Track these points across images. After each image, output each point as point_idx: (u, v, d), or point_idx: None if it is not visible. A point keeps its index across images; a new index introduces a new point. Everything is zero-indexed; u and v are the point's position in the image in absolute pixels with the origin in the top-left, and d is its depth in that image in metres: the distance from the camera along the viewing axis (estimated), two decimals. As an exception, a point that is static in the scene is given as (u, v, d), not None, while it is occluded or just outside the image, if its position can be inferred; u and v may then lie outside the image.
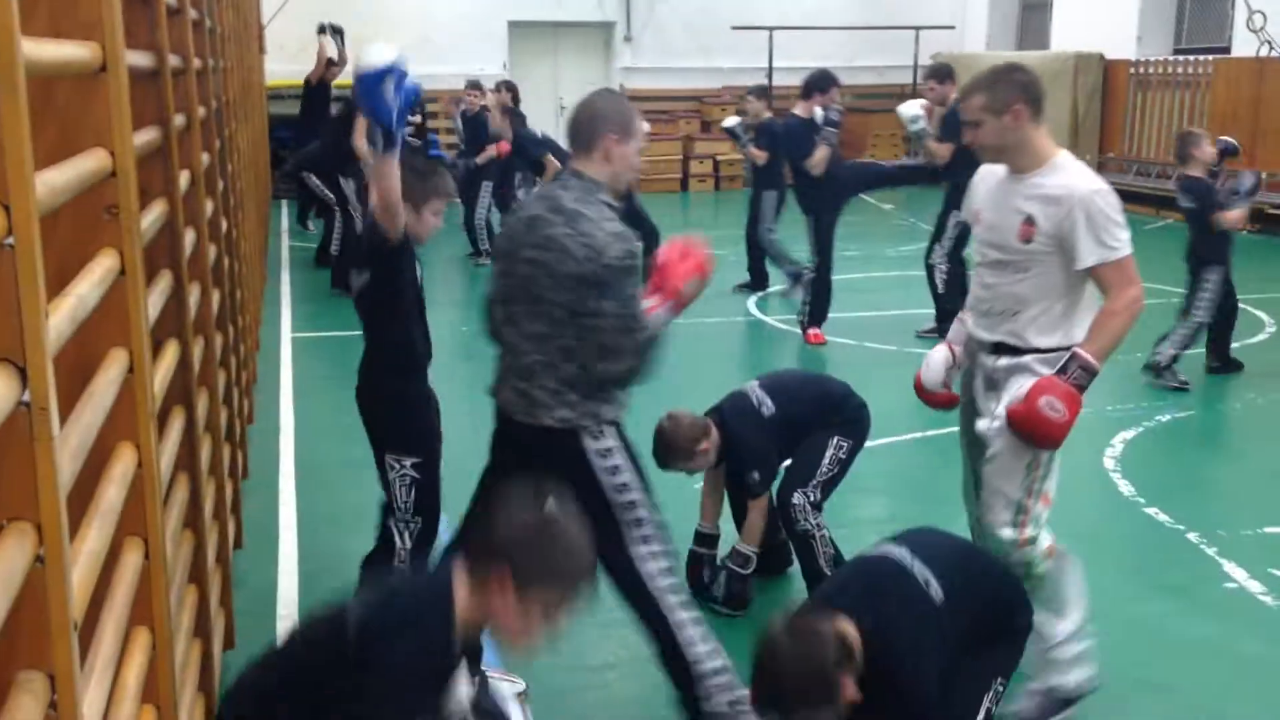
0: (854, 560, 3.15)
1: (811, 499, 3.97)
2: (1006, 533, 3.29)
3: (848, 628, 2.62)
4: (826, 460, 4.00)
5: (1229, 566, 4.34)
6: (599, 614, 3.97)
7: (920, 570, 2.76)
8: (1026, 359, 3.35)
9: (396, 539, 3.55)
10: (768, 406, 4.07)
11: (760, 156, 9.12)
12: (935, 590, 2.72)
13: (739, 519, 4.20)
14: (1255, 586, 4.18)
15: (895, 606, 2.72)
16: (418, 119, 11.89)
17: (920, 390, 3.69)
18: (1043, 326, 3.33)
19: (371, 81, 3.14)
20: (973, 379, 3.56)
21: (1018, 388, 3.31)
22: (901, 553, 2.84)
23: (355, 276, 3.64)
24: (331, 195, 9.59)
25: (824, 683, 2.54)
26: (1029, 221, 3.28)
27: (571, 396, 3.00)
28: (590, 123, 3.10)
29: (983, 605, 2.85)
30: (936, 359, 3.65)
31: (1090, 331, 3.29)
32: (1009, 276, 3.33)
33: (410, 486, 3.50)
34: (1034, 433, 3.23)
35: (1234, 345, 7.59)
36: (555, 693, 3.59)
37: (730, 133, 9.51)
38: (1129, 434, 5.85)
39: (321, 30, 11.96)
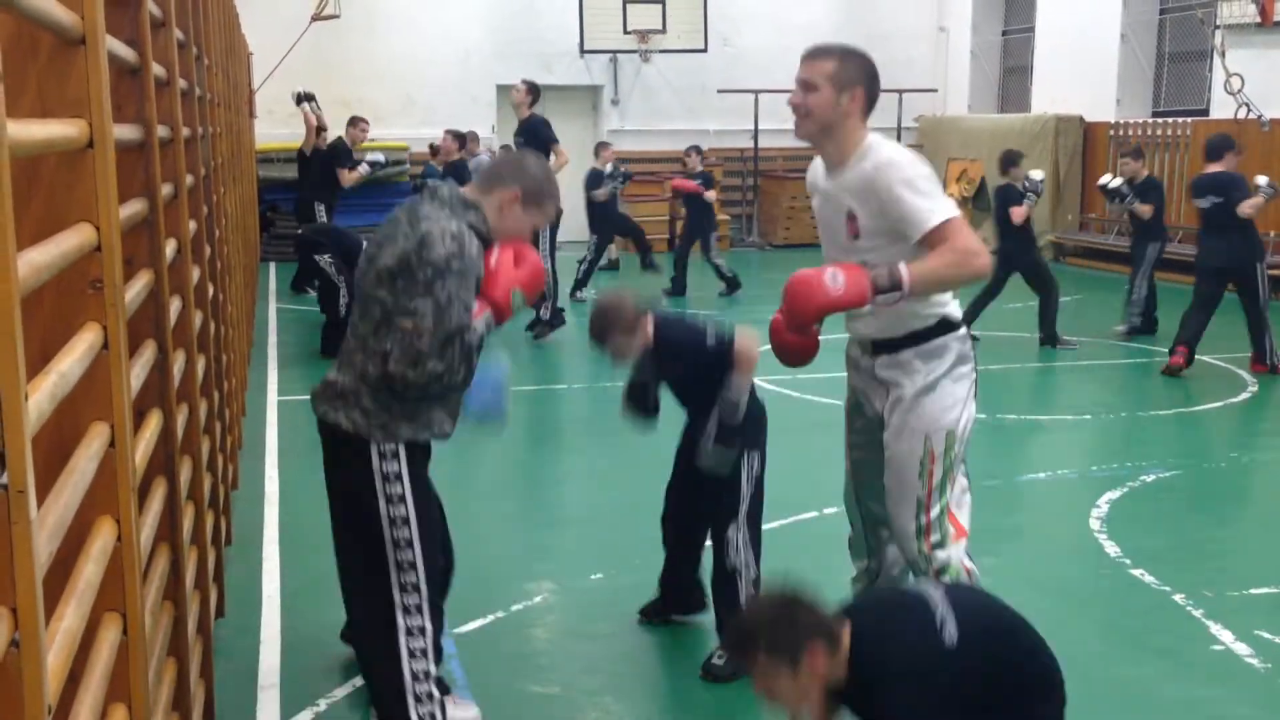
0: (886, 588, 3.32)
1: (745, 535, 3.93)
2: (910, 542, 3.34)
3: (842, 626, 2.62)
4: (743, 482, 3.93)
5: (1216, 628, 4.33)
6: (582, 682, 3.96)
7: (942, 609, 2.65)
8: (905, 354, 3.33)
9: None
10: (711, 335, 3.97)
11: (1147, 211, 10.04)
12: (950, 631, 2.61)
13: (684, 528, 4.18)
14: (1242, 649, 4.17)
15: (897, 626, 2.66)
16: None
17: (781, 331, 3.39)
18: (906, 311, 3.27)
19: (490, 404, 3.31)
20: (855, 379, 3.57)
21: (904, 390, 3.32)
22: (932, 591, 2.77)
23: None
24: (341, 277, 9.45)
25: (792, 638, 2.55)
26: (850, 217, 3.26)
27: (366, 402, 2.98)
28: (510, 168, 3.13)
29: (1001, 669, 2.68)
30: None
31: (921, 259, 3.14)
32: None
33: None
34: (797, 288, 3.14)
35: (1215, 405, 7.64)
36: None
37: (1115, 192, 10.04)
38: (1114, 494, 5.86)
39: (299, 101, 12.11)
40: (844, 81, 3.22)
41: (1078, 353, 9.61)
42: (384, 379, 2.95)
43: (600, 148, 12.98)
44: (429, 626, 3.10)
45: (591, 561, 4.96)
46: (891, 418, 3.38)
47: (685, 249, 12.67)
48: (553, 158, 9.43)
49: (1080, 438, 7.22)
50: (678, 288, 12.49)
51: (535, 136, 9.57)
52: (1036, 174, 9.95)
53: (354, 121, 11.87)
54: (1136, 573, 4.89)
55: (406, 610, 3.06)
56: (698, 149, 13.19)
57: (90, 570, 1.82)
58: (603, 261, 14.52)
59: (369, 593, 3.09)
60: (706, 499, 4.02)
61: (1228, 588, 4.72)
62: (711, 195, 12.55)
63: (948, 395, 3.35)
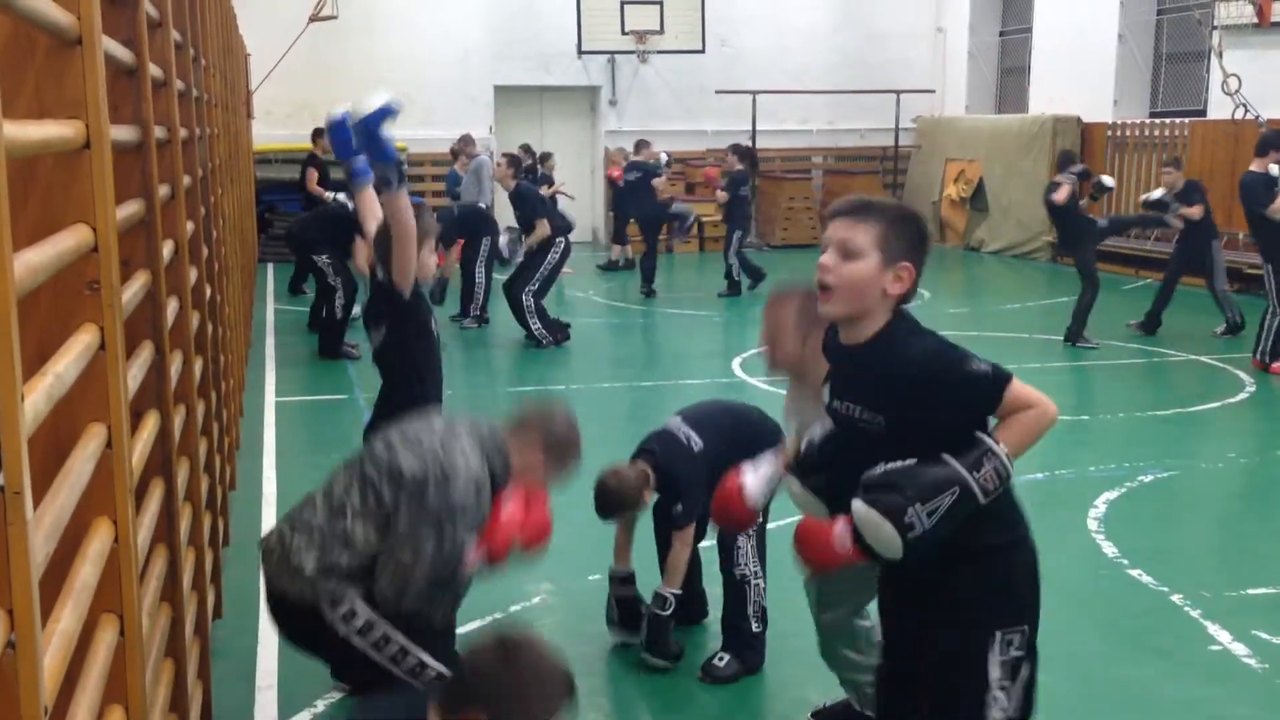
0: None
1: (754, 543, 3.98)
2: None
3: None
4: None
5: (1213, 629, 4.34)
6: (580, 684, 3.96)
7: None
8: None
9: None
10: (695, 442, 4.03)
11: (1196, 213, 10.04)
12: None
13: (663, 558, 4.17)
14: (1240, 649, 4.17)
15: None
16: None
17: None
18: None
19: (373, 123, 3.20)
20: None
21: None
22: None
23: (373, 333, 3.78)
24: (339, 278, 9.46)
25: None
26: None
27: (311, 574, 2.87)
28: (539, 419, 3.13)
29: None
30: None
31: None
32: None
33: None
34: (807, 544, 2.67)
35: (1215, 406, 7.64)
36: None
37: (1160, 203, 10.23)
38: (1111, 495, 5.87)
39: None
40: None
41: (1076, 353, 9.62)
42: (352, 569, 2.86)
43: (641, 145, 13.61)
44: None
45: (589, 563, 4.96)
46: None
47: (727, 250, 12.82)
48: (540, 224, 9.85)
49: (1078, 438, 7.22)
50: (733, 289, 12.64)
51: (528, 205, 10.00)
52: (1108, 180, 10.66)
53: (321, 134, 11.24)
54: (1134, 573, 4.89)
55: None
56: (737, 148, 13.13)
57: (87, 571, 1.81)
58: (621, 261, 14.68)
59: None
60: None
61: (1225, 588, 4.73)
62: (722, 197, 12.57)
63: None
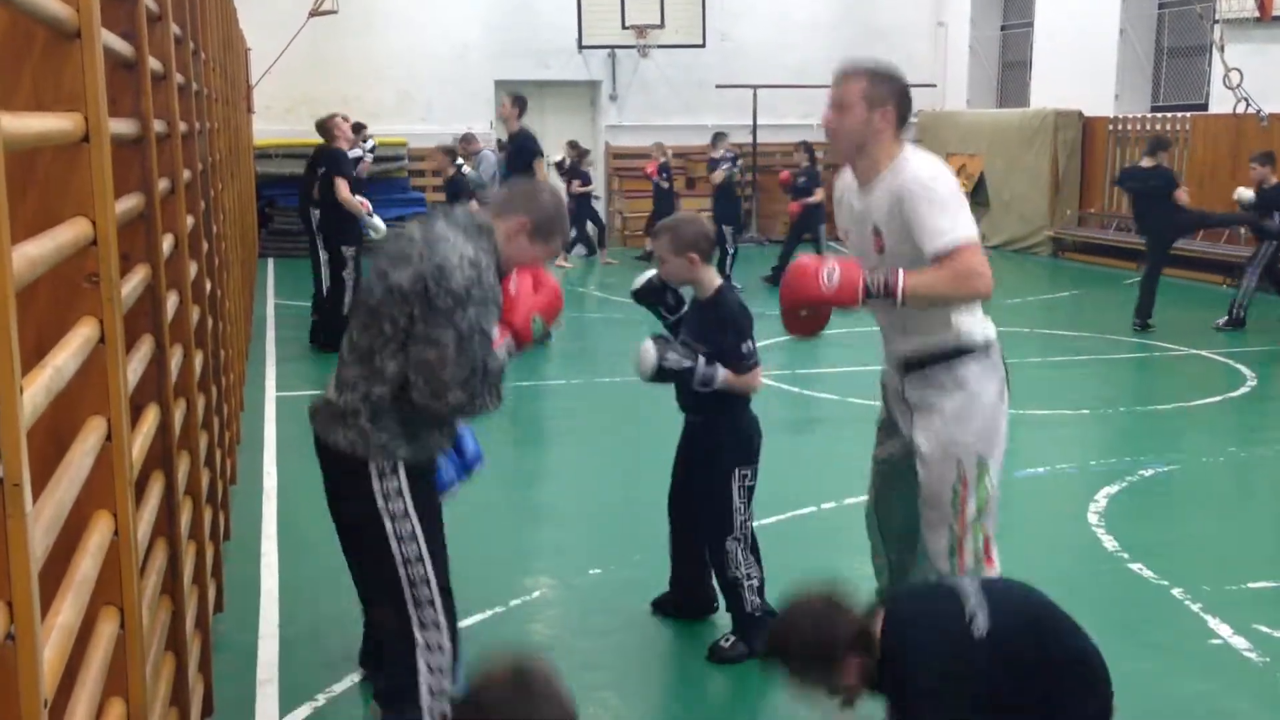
0: (926, 580, 3.28)
1: (744, 545, 3.99)
2: (943, 561, 3.33)
3: (875, 622, 2.68)
4: (735, 497, 3.97)
5: (1214, 623, 4.34)
6: (582, 678, 3.97)
7: (974, 601, 2.68)
8: (932, 370, 3.33)
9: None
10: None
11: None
12: (980, 623, 2.63)
13: (680, 542, 4.22)
14: (1240, 642, 4.17)
15: (925, 616, 2.71)
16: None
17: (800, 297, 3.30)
18: (932, 327, 3.29)
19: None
20: (886, 400, 3.58)
21: (933, 414, 3.32)
22: (966, 583, 2.83)
23: None
24: (355, 274, 9.45)
25: (827, 657, 2.64)
26: (876, 232, 3.27)
27: (364, 423, 2.95)
28: (523, 198, 3.12)
29: (1034, 665, 2.67)
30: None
31: (922, 270, 3.15)
32: None
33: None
34: (793, 278, 3.23)
35: (1216, 400, 7.64)
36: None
37: (1272, 200, 10.18)
38: (1112, 489, 5.86)
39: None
40: (875, 99, 3.21)
41: (1076, 347, 9.62)
42: (391, 400, 2.93)
43: (718, 139, 13.91)
44: (447, 644, 3.08)
45: (590, 557, 4.96)
46: (921, 444, 3.37)
47: (792, 244, 12.96)
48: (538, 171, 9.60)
49: (1079, 432, 7.22)
50: (777, 278, 12.75)
51: (521, 150, 9.64)
52: (1247, 192, 10.28)
53: (336, 124, 10.35)
54: (1135, 567, 4.89)
55: (423, 625, 3.05)
56: (807, 145, 13.41)
57: (87, 565, 1.81)
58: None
59: (386, 611, 3.10)
60: (701, 516, 4.08)
61: (1226, 582, 4.73)
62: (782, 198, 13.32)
63: (977, 419, 3.32)
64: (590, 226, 15.43)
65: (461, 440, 3.45)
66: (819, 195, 12.77)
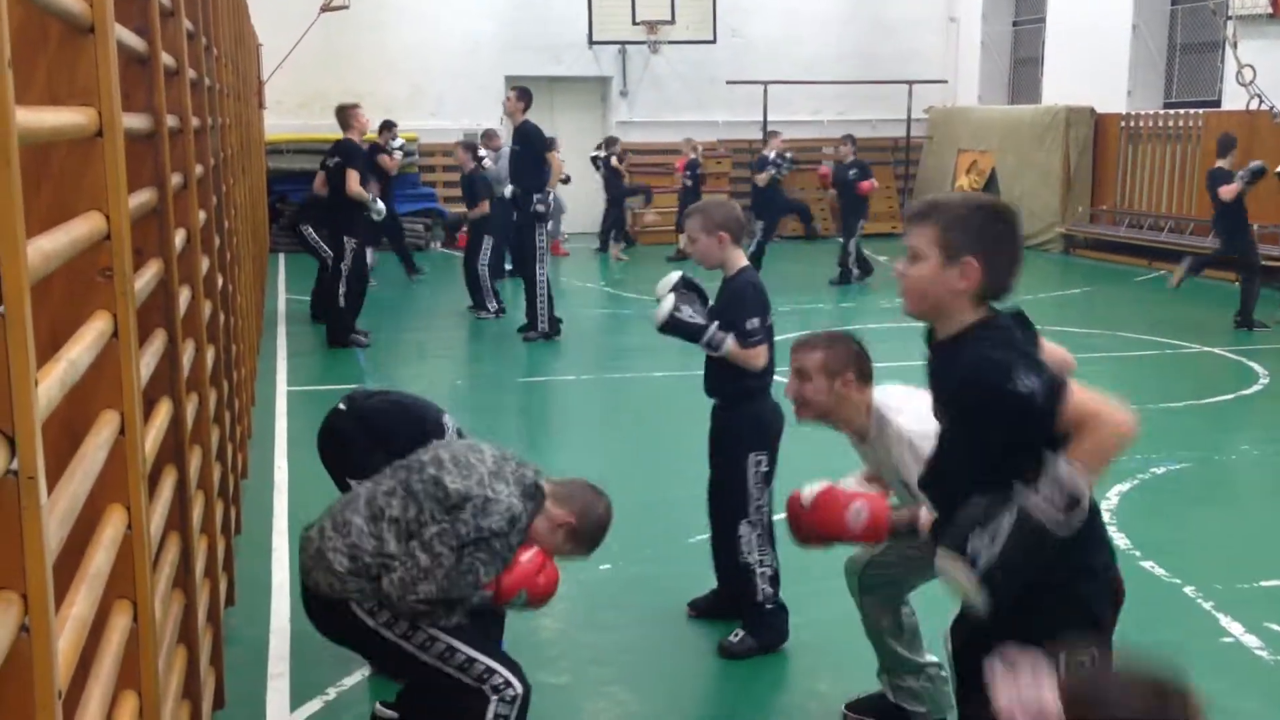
0: None
1: (758, 530, 4.03)
2: None
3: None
4: (750, 482, 4.02)
5: (1226, 621, 4.32)
6: (590, 673, 3.97)
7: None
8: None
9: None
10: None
11: None
12: None
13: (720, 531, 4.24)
14: (1252, 641, 4.16)
15: None
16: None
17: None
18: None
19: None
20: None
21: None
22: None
23: None
24: (329, 250, 9.68)
25: None
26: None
27: (343, 572, 2.94)
28: (586, 504, 3.16)
29: None
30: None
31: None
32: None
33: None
34: (820, 513, 3.20)
35: (1228, 398, 7.61)
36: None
37: None
38: (1124, 487, 5.85)
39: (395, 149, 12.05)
40: (833, 369, 3.19)
41: (1087, 345, 9.59)
42: (377, 568, 2.93)
43: (771, 136, 14.11)
44: (515, 683, 3.01)
45: (600, 553, 4.95)
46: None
47: (849, 236, 13.09)
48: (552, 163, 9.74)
49: (1090, 430, 7.20)
50: (845, 277, 13.01)
51: (530, 142, 9.63)
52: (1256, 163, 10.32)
53: (354, 114, 10.39)
54: (1146, 565, 4.88)
55: (480, 678, 2.98)
56: (851, 139, 13.49)
57: (100, 558, 1.82)
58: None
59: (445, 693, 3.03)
60: (718, 500, 4.17)
61: (1238, 580, 4.71)
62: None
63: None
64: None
65: None
66: (870, 185, 12.97)
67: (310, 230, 10.11)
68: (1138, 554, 4.99)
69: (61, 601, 1.60)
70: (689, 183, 15.16)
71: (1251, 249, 10.22)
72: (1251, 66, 12.54)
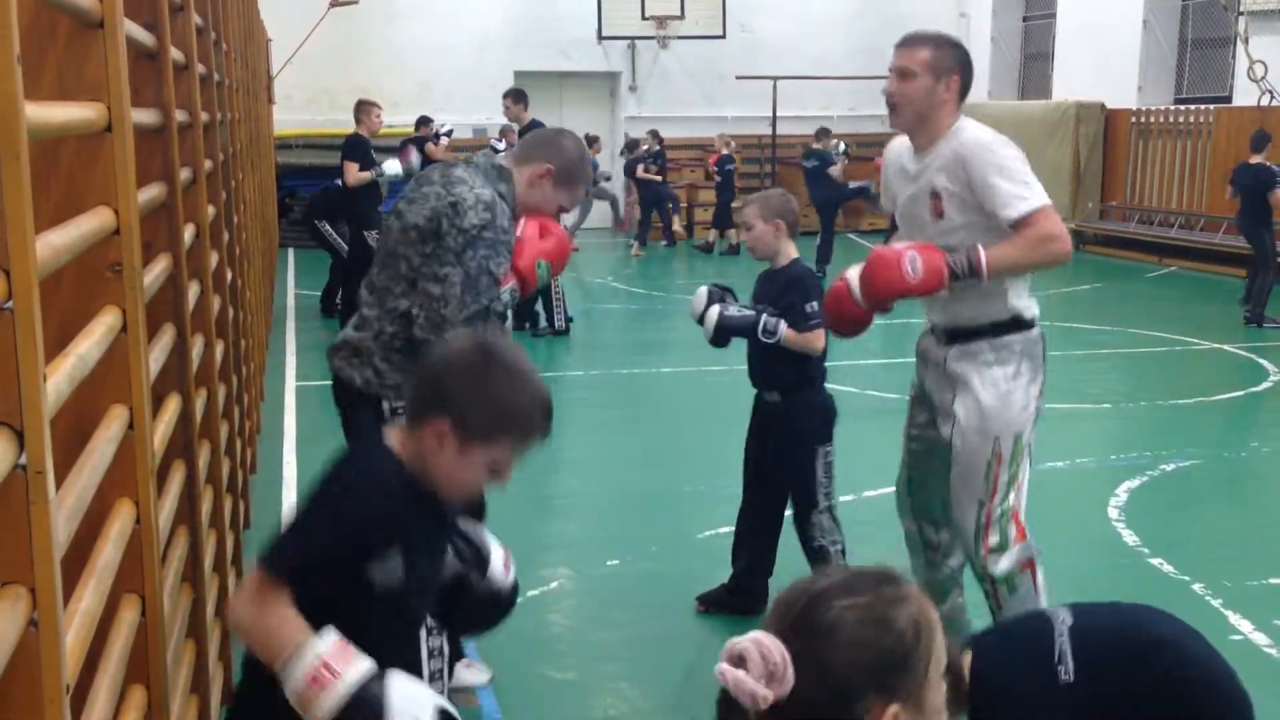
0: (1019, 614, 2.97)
1: (829, 515, 4.12)
2: (970, 540, 3.32)
3: (963, 660, 2.29)
4: (819, 473, 4.09)
5: (1234, 618, 4.31)
6: (598, 669, 3.97)
7: (1062, 642, 2.38)
8: (977, 345, 3.31)
9: None
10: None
11: None
12: (1067, 666, 2.35)
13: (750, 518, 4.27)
14: (1261, 638, 4.15)
15: (1014, 663, 2.40)
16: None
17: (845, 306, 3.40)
18: (984, 300, 3.28)
19: None
20: (924, 372, 3.54)
21: (974, 388, 3.30)
22: (1058, 619, 2.45)
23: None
24: (344, 245, 9.79)
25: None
26: (935, 196, 3.24)
27: (379, 362, 2.98)
28: (547, 144, 3.11)
29: (1129, 700, 2.39)
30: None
31: (1001, 243, 3.17)
32: None
33: None
34: (876, 270, 3.21)
35: (1238, 394, 7.59)
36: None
37: None
38: (1133, 483, 5.84)
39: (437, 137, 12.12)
40: (941, 69, 3.22)
41: (1097, 341, 9.57)
42: (403, 339, 2.95)
43: (822, 134, 14.33)
44: None
45: (607, 548, 4.97)
46: (959, 416, 3.34)
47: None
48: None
49: (1099, 426, 7.19)
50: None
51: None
52: None
53: (368, 108, 10.63)
54: (1155, 562, 4.87)
55: None
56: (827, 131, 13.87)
57: (109, 552, 1.82)
58: (720, 247, 15.13)
59: None
60: (772, 493, 4.19)
61: (1247, 577, 4.70)
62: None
63: (1019, 396, 3.31)
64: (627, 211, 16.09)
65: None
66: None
67: (326, 225, 10.18)
68: (1146, 550, 4.98)
69: (70, 596, 1.61)
70: (718, 178, 15.26)
71: (1272, 246, 10.20)
72: (1263, 62, 12.49)
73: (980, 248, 3.15)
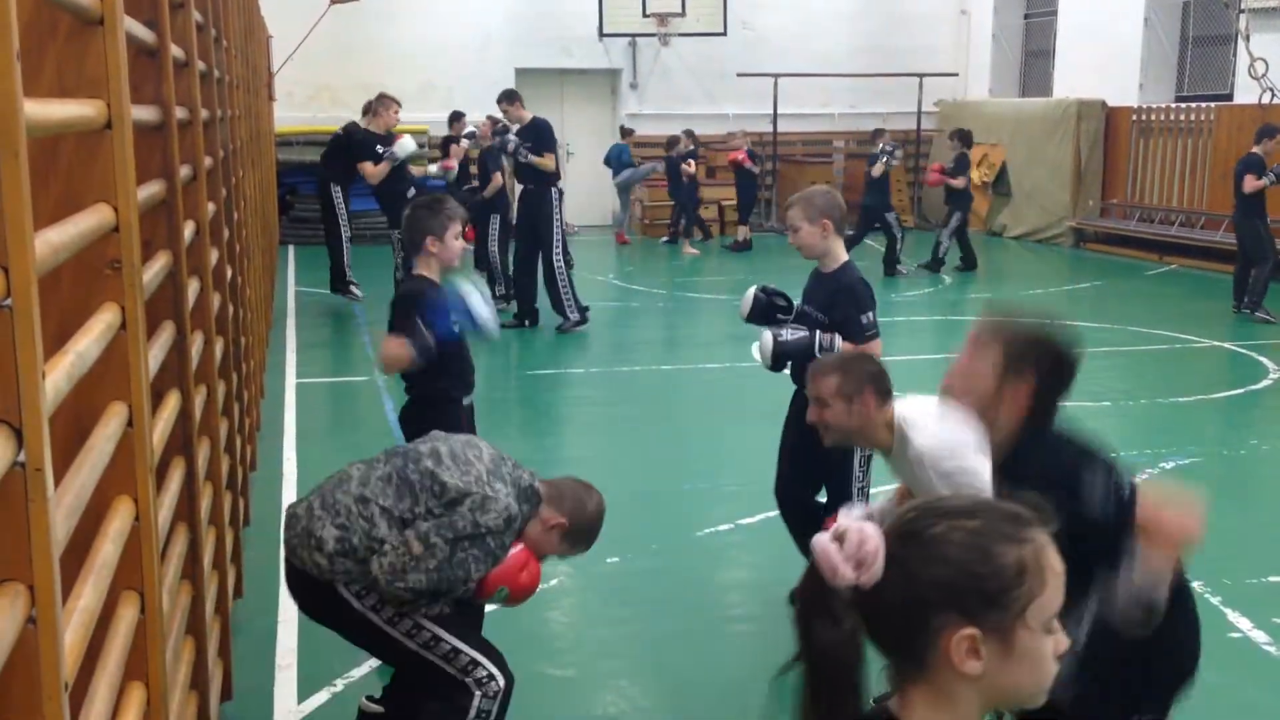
0: None
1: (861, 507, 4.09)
2: None
3: None
4: (855, 467, 4.11)
5: (1233, 616, 4.31)
6: (599, 666, 3.98)
7: None
8: None
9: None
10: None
11: None
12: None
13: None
14: (1260, 636, 4.15)
15: None
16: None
17: None
18: None
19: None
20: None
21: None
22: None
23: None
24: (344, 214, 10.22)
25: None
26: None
27: (331, 551, 2.92)
28: (578, 501, 3.13)
29: None
30: None
31: None
32: None
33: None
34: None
35: (1238, 392, 7.58)
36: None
37: None
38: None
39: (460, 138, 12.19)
40: (849, 392, 3.16)
41: (1097, 339, 9.56)
42: (364, 554, 2.92)
43: (877, 135, 14.34)
44: (499, 677, 3.03)
45: (607, 546, 4.94)
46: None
47: (960, 232, 13.35)
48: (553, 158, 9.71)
49: (1100, 424, 7.14)
50: (934, 265, 13.38)
51: (541, 138, 9.69)
52: None
53: (387, 104, 10.80)
54: (1155, 560, 4.87)
55: (463, 670, 2.99)
56: (961, 132, 13.65)
57: (108, 549, 1.83)
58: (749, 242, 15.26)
59: (423, 683, 3.05)
60: (819, 483, 4.21)
61: (1246, 575, 4.70)
62: (960, 182, 13.29)
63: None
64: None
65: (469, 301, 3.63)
66: (962, 181, 13.17)
67: (337, 190, 10.60)
68: (1146, 549, 4.98)
69: (69, 593, 1.61)
70: (755, 170, 15.40)
71: (1269, 241, 10.20)
72: (1264, 60, 12.49)
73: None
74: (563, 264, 9.74)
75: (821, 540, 1.41)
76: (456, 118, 12.80)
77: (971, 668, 1.37)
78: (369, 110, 10.54)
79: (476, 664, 2.98)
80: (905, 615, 1.39)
